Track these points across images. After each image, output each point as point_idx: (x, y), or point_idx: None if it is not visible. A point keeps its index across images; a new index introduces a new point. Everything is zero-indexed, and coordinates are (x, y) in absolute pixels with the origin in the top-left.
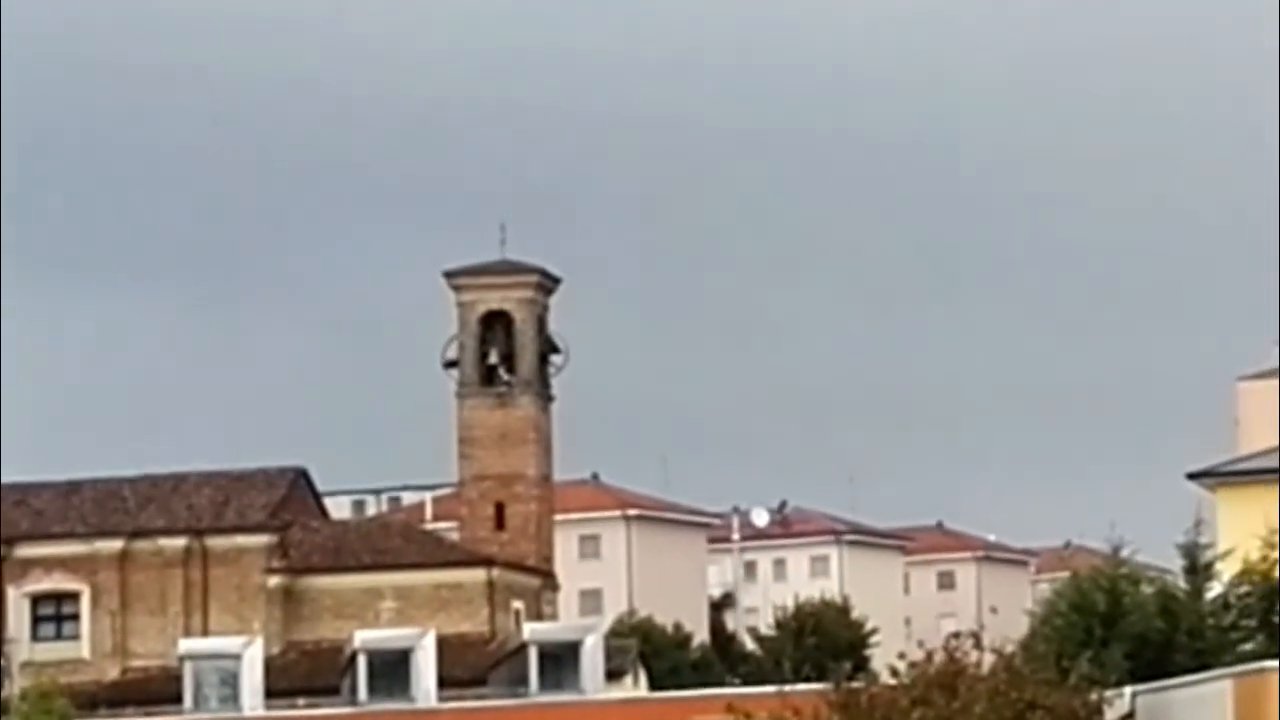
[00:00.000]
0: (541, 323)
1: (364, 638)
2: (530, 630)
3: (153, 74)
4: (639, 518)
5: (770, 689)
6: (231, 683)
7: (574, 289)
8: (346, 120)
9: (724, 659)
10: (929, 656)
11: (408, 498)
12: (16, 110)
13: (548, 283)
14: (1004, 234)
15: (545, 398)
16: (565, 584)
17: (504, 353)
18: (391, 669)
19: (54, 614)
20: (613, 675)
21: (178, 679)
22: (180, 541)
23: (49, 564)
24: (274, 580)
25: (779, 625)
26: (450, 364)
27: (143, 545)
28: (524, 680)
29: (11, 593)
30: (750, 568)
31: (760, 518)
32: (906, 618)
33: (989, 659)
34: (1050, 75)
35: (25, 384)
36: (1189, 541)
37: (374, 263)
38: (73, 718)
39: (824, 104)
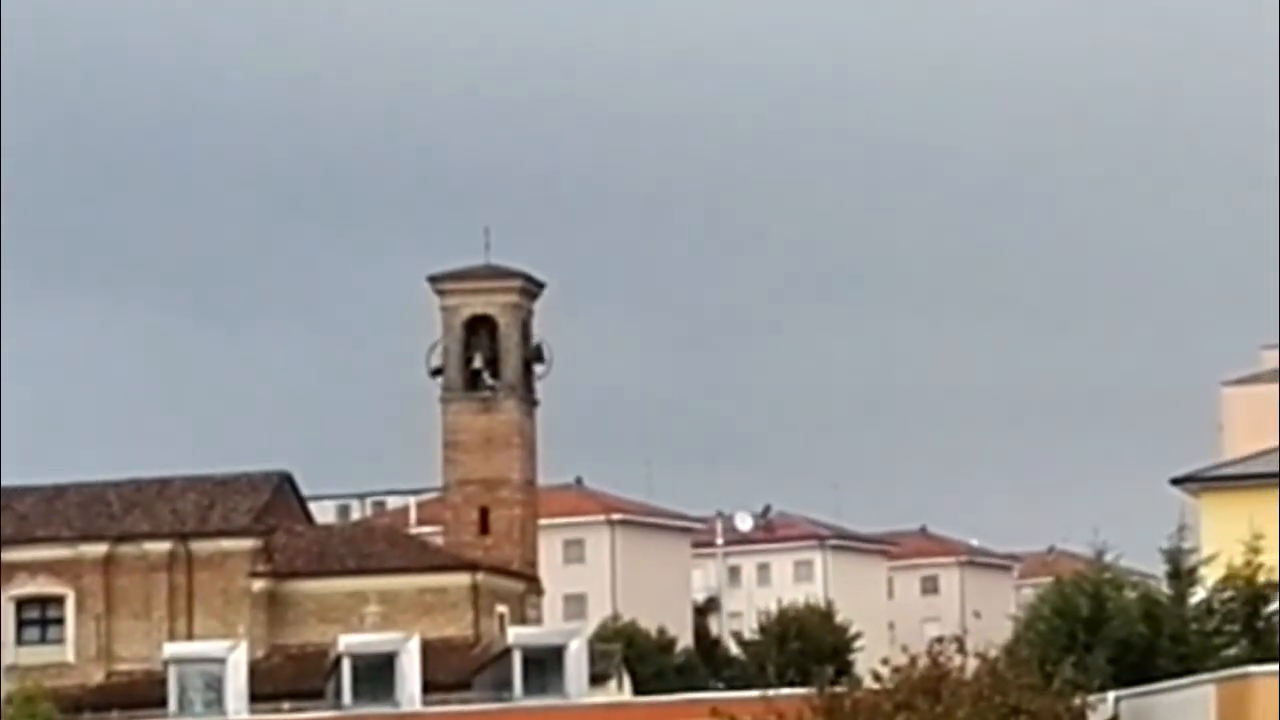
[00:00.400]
0: (526, 327)
1: (348, 642)
2: (514, 635)
3: (137, 80)
4: (623, 522)
5: (754, 694)
6: (216, 687)
7: (558, 294)
8: (330, 124)
9: (708, 663)
10: (913, 661)
11: (392, 502)
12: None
13: (532, 287)
14: (988, 239)
15: (530, 402)
16: (549, 588)
17: (488, 357)
18: (376, 673)
19: (39, 618)
20: (597, 680)
21: (162, 683)
22: (165, 546)
23: (34, 568)
24: (258, 584)
25: (763, 630)
26: (436, 371)
27: (127, 549)
28: (508, 684)
29: None
30: (734, 572)
31: (744, 522)
32: (890, 622)
33: (973, 664)
34: (1039, 79)
35: (9, 388)
36: (1172, 546)
37: (358, 268)
38: None
39: (812, 107)
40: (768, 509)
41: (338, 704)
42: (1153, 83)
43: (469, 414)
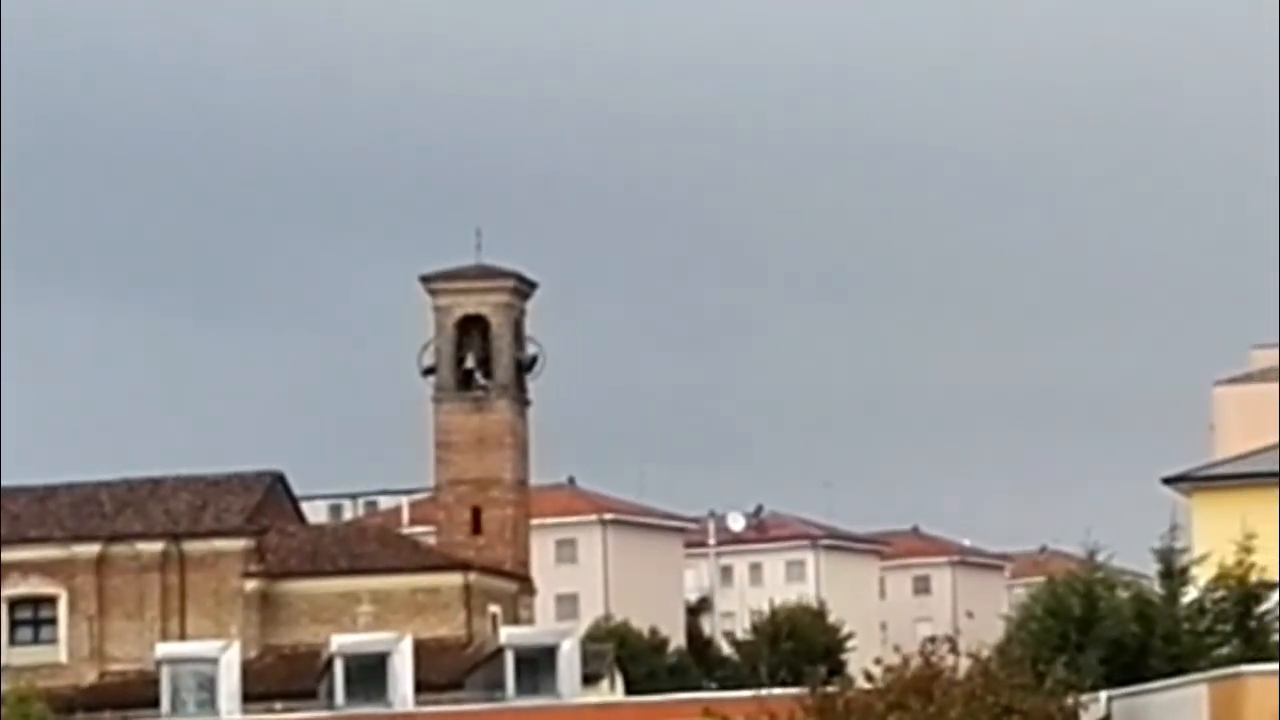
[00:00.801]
0: (518, 327)
1: (341, 642)
2: (507, 634)
3: (135, 80)
4: (615, 522)
5: (746, 693)
6: (209, 687)
7: (550, 294)
8: (323, 125)
9: (700, 663)
10: (905, 661)
11: (384, 502)
12: None
13: (524, 287)
14: (980, 240)
15: (522, 402)
16: (542, 588)
17: (480, 357)
18: (368, 673)
19: (31, 618)
20: (589, 679)
21: (155, 683)
22: (157, 546)
23: (26, 568)
24: (251, 584)
25: (755, 630)
26: (428, 371)
27: (120, 550)
28: (500, 684)
29: None
30: (726, 572)
31: (736, 522)
32: (882, 622)
33: (965, 663)
34: (1038, 79)
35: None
36: (1164, 546)
37: (350, 267)
38: None
39: (805, 107)
40: (760, 509)
41: (330, 704)
42: (1150, 83)
43: (461, 414)
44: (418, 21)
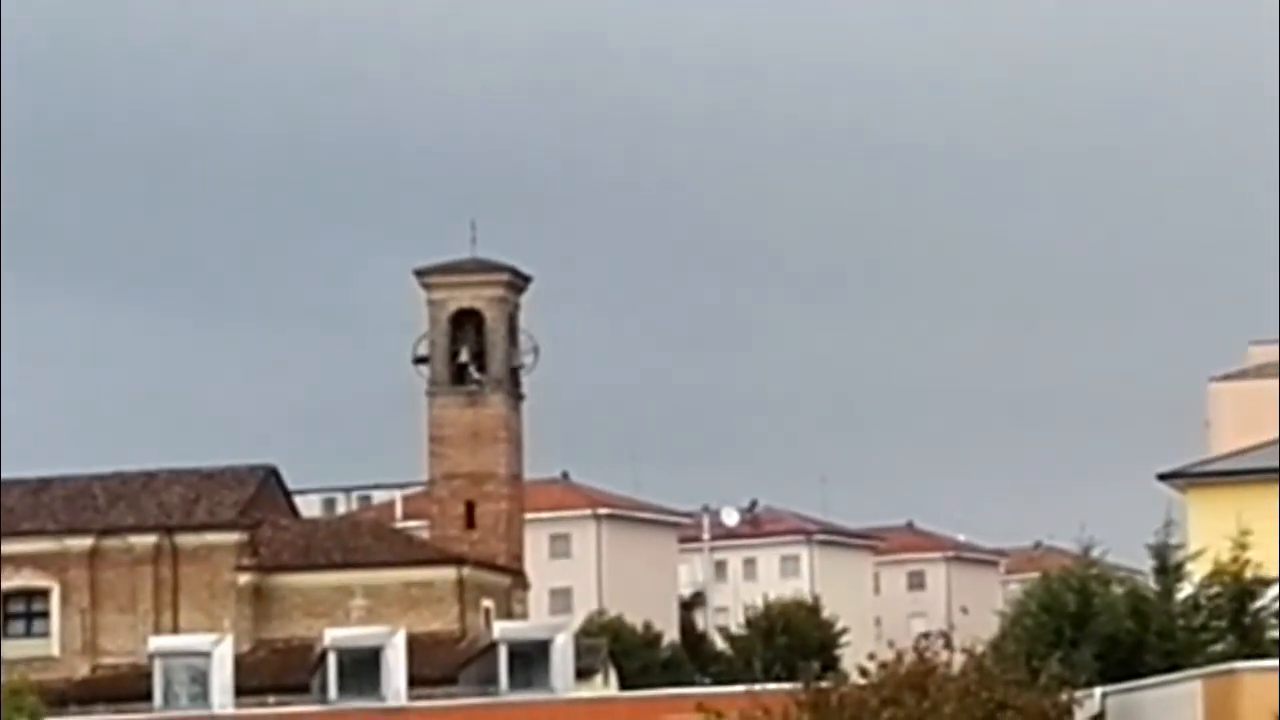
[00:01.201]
0: (512, 321)
1: (334, 636)
2: (500, 629)
3: (134, 79)
4: (609, 517)
5: (740, 688)
6: (201, 680)
7: (545, 288)
8: (317, 118)
9: (694, 658)
10: (899, 656)
11: (378, 496)
12: None
13: (518, 281)
14: (975, 238)
15: (516, 396)
16: (535, 583)
17: (475, 351)
18: (362, 667)
19: (24, 611)
20: (583, 674)
21: (148, 676)
22: (150, 539)
23: (19, 561)
24: (244, 578)
25: (749, 625)
26: (420, 360)
27: (113, 543)
28: (494, 679)
29: None
30: (720, 567)
31: (730, 517)
32: (877, 617)
33: (959, 659)
34: (1036, 79)
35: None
36: (1159, 542)
37: (344, 261)
38: (43, 715)
39: (801, 103)
40: (754, 504)
41: (323, 698)
42: (1148, 82)
43: (455, 408)
44: (413, 16)
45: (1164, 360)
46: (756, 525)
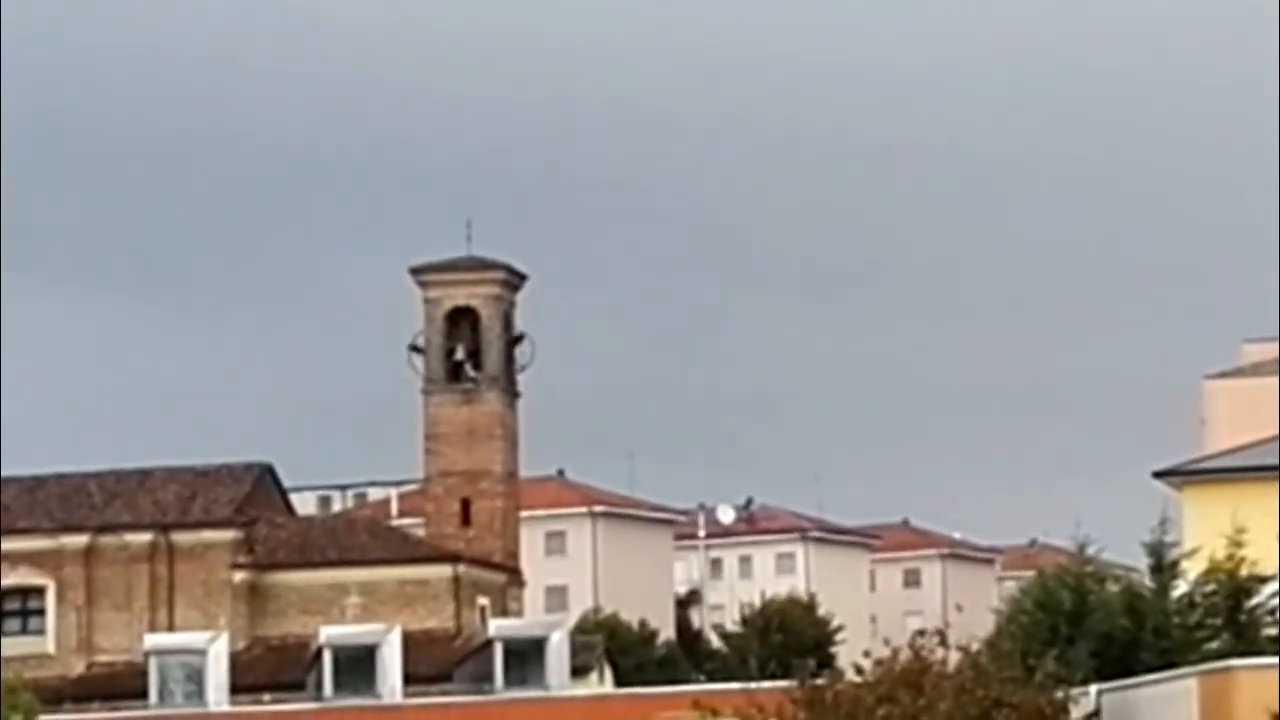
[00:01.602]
0: (508, 319)
1: (330, 634)
2: (496, 626)
3: (133, 77)
4: (605, 514)
5: (736, 686)
6: (197, 678)
7: (540, 286)
8: (313, 116)
9: (690, 656)
10: (895, 654)
11: (374, 494)
12: None
13: (514, 279)
14: (971, 235)
15: (511, 394)
16: (531, 580)
17: (470, 349)
18: (357, 665)
19: (19, 609)
20: (578, 672)
21: (143, 674)
22: (146, 537)
23: (14, 559)
24: (240, 576)
25: (745, 622)
26: (415, 349)
27: (108, 540)
28: (489, 676)
29: None
30: (716, 565)
31: (726, 515)
32: (872, 615)
33: (954, 657)
34: (1028, 78)
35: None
36: (1155, 540)
37: (340, 259)
38: (38, 713)
39: (796, 102)
40: (750, 501)
41: (319, 695)
42: (1146, 81)
43: (451, 406)
44: (410, 15)
45: (1159, 358)
46: (752, 523)
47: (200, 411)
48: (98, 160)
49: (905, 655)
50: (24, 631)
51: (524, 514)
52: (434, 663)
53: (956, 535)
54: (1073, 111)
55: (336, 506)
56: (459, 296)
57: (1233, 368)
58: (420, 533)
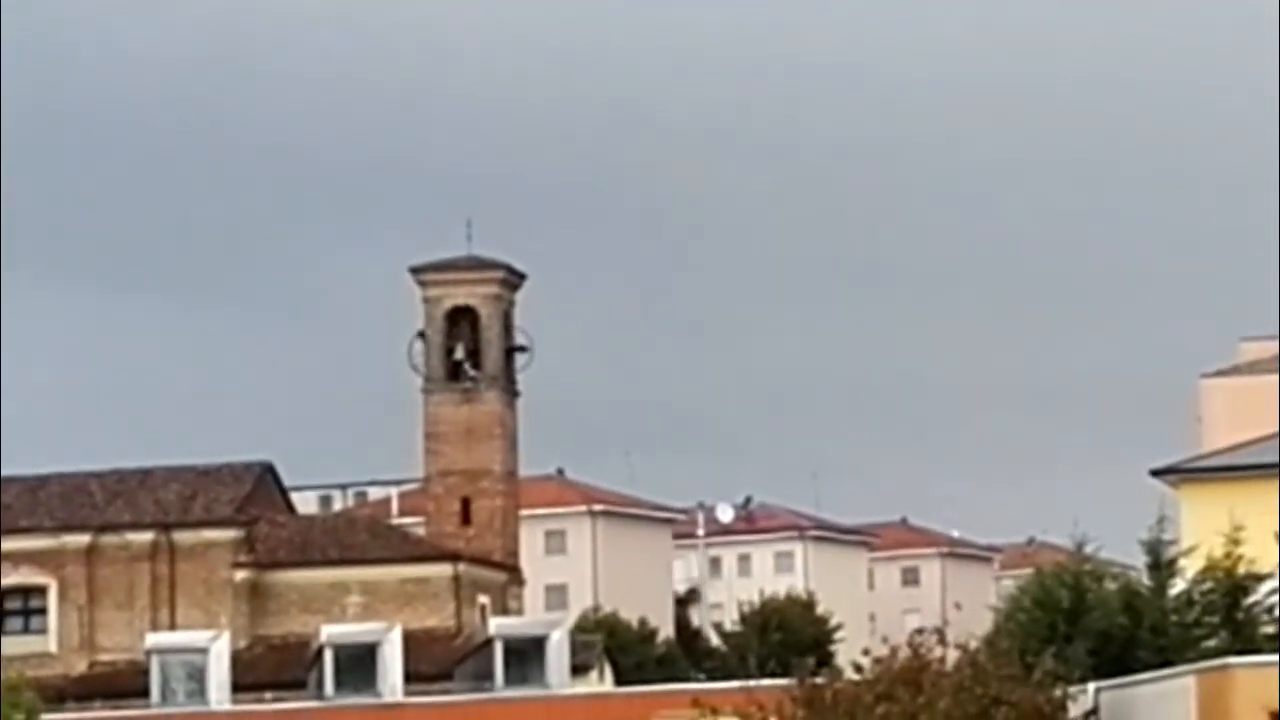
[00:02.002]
0: (507, 319)
1: (331, 632)
2: (496, 625)
3: (132, 75)
4: (604, 513)
5: (735, 684)
6: (198, 677)
7: (540, 285)
8: (313, 114)
9: (689, 654)
10: (893, 652)
11: (374, 493)
12: None
13: (513, 279)
14: (968, 234)
15: (511, 393)
16: (531, 579)
17: (470, 348)
18: (358, 663)
19: (21, 608)
20: (578, 670)
21: (145, 673)
22: (147, 536)
23: (16, 558)
24: (241, 575)
25: (744, 621)
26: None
27: (110, 539)
28: (490, 675)
29: None
30: (715, 563)
31: (725, 514)
32: (871, 614)
33: (953, 655)
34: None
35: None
36: (1152, 538)
37: (340, 258)
38: (40, 712)
39: (798, 101)
40: (749, 500)
41: (320, 694)
42: (1146, 80)
43: (450, 405)
44: (411, 14)
45: (1156, 356)
46: (751, 522)
47: (201, 411)
48: (101, 159)
49: (904, 653)
50: (26, 631)
51: (524, 513)
52: (435, 661)
53: (955, 534)
54: (1073, 110)
55: (337, 506)
56: (459, 296)
57: (1230, 366)
58: (420, 532)
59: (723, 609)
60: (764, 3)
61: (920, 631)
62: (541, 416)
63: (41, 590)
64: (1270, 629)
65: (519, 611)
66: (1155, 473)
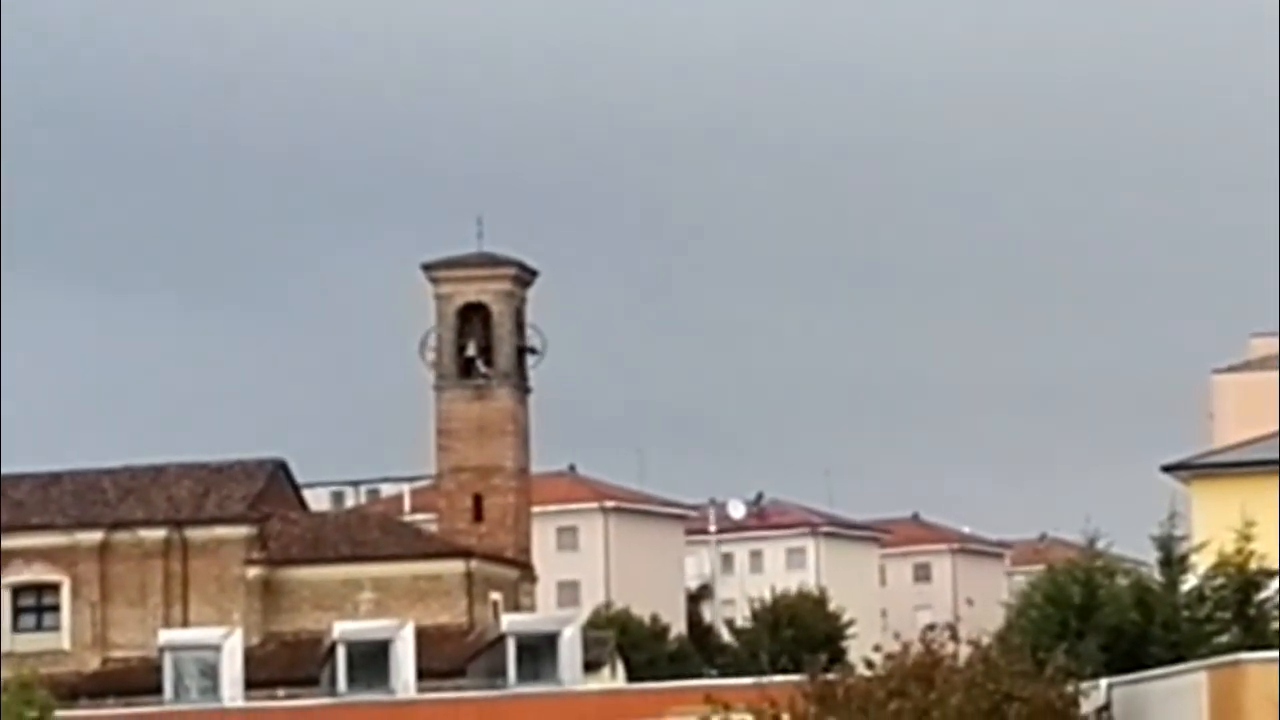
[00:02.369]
0: (519, 315)
1: (343, 629)
2: (508, 622)
3: (134, 73)
4: (616, 509)
5: (747, 681)
6: (211, 674)
7: (551, 282)
8: (324, 113)
9: (701, 651)
10: (905, 648)
11: (386, 489)
12: None
13: (525, 275)
14: (979, 231)
15: (523, 390)
16: (543, 576)
17: (481, 345)
18: (370, 660)
19: (34, 605)
20: (590, 667)
21: (158, 670)
22: (160, 533)
23: (29, 555)
24: (253, 571)
25: (755, 617)
26: (427, 337)
27: (123, 536)
28: (502, 671)
29: None
30: (727, 560)
31: (737, 510)
32: (882, 609)
33: (965, 651)
34: (1031, 76)
35: (3, 378)
36: (1164, 534)
37: (352, 255)
38: (53, 709)
39: (804, 101)
40: (760, 496)
41: (333, 691)
42: (1150, 77)
43: (462, 402)
44: (420, 13)
45: (1167, 352)
46: (763, 518)
47: (213, 408)
48: (111, 157)
49: (916, 649)
50: (39, 628)
51: (536, 509)
52: (447, 658)
53: (966, 530)
54: (1073, 110)
55: (349, 502)
56: (470, 293)
57: (1240, 362)
58: (433, 528)
59: (735, 605)
60: (765, 3)
61: (932, 627)
62: (553, 413)
63: (54, 587)
64: None
65: (531, 608)
66: (1166, 469)
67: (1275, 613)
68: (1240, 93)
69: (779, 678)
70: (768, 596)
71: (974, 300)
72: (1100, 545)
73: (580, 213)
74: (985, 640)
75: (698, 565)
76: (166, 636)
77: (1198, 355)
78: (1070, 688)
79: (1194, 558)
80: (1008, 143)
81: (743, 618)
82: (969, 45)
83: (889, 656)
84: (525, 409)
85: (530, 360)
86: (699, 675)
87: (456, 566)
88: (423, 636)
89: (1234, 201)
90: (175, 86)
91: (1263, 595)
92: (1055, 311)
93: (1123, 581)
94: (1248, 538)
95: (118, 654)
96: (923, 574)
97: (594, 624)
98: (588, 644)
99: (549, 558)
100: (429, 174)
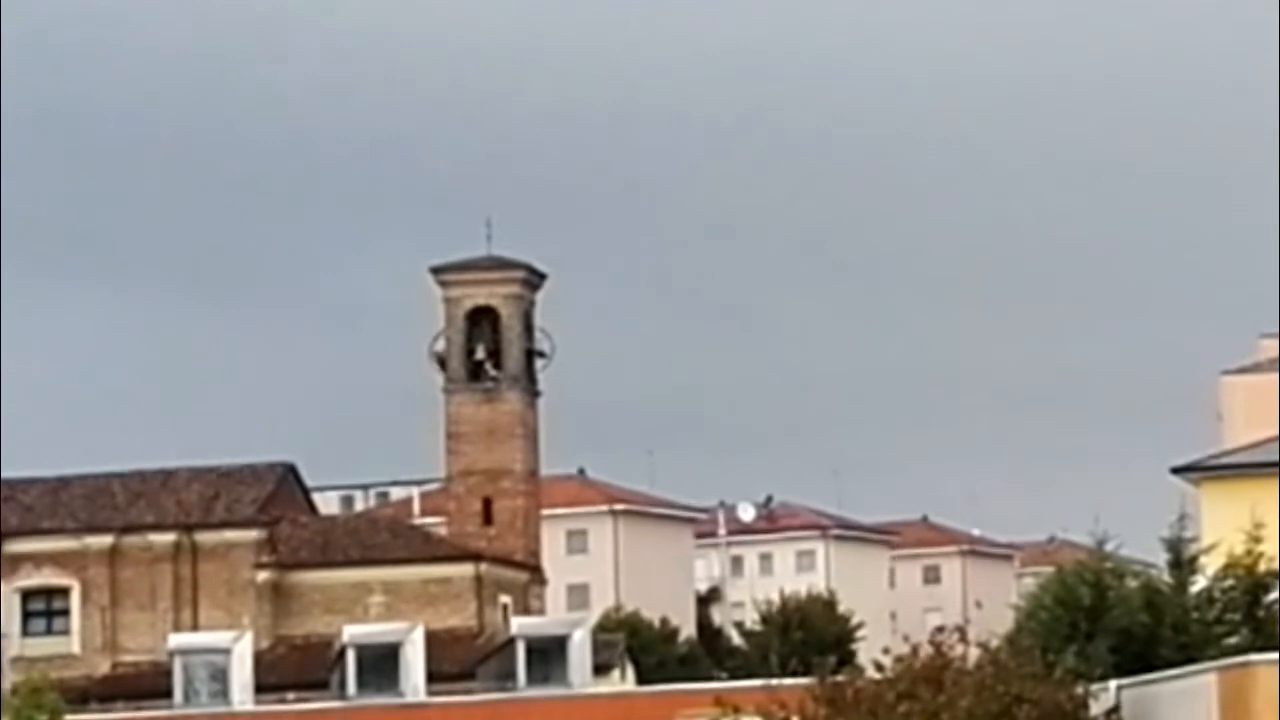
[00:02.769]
0: (528, 318)
1: (353, 632)
2: (518, 625)
3: (138, 72)
4: (626, 512)
5: (757, 683)
6: (221, 677)
7: (560, 285)
8: (332, 116)
9: (711, 653)
10: (915, 650)
11: (396, 493)
12: None
13: (534, 279)
14: (988, 230)
15: (532, 393)
16: (552, 579)
17: (490, 348)
18: (380, 663)
19: (44, 609)
20: (600, 669)
21: (168, 674)
22: (170, 537)
23: (39, 559)
24: (263, 575)
25: (765, 620)
26: (438, 358)
27: (132, 540)
28: (512, 674)
29: (2, 588)
30: (737, 562)
31: (746, 512)
32: (892, 612)
33: (974, 653)
34: (1034, 73)
35: (12, 380)
36: (1173, 535)
37: (361, 259)
38: (63, 713)
39: (814, 100)
40: (770, 499)
41: (342, 694)
42: (1154, 76)
43: (471, 405)
44: (428, 14)
45: (1176, 353)
46: (772, 520)
47: (223, 412)
48: (120, 159)
49: (925, 652)
50: (49, 632)
51: (545, 512)
52: (457, 661)
53: (976, 532)
54: (1089, 107)
55: (359, 506)
56: (479, 296)
57: (1250, 363)
58: (442, 532)
59: (744, 608)
60: (767, 4)
61: (941, 630)
62: (562, 416)
63: (64, 591)
64: None
65: (541, 611)
66: (1176, 470)
67: None
68: (1248, 91)
69: (789, 680)
70: (777, 599)
71: (983, 302)
72: (1109, 547)
73: (589, 215)
74: (995, 642)
75: (707, 568)
76: (176, 640)
77: (1206, 356)
78: (1080, 689)
79: (1203, 559)
80: (1020, 143)
81: (752, 620)
82: (969, 46)
83: (898, 659)
84: (534, 412)
85: (539, 363)
86: (709, 678)
87: (466, 570)
88: (432, 640)
89: (1242, 202)
90: (177, 87)
91: (1272, 597)
92: (1063, 313)
93: (1132, 583)
94: (1257, 539)
95: (128, 658)
96: (932, 576)
97: (604, 627)
98: (597, 647)
99: (558, 561)
100: (437, 177)
